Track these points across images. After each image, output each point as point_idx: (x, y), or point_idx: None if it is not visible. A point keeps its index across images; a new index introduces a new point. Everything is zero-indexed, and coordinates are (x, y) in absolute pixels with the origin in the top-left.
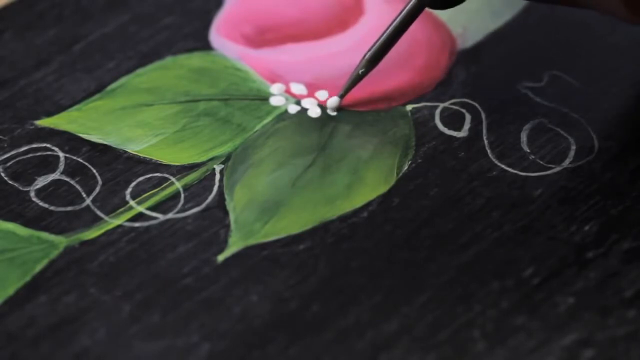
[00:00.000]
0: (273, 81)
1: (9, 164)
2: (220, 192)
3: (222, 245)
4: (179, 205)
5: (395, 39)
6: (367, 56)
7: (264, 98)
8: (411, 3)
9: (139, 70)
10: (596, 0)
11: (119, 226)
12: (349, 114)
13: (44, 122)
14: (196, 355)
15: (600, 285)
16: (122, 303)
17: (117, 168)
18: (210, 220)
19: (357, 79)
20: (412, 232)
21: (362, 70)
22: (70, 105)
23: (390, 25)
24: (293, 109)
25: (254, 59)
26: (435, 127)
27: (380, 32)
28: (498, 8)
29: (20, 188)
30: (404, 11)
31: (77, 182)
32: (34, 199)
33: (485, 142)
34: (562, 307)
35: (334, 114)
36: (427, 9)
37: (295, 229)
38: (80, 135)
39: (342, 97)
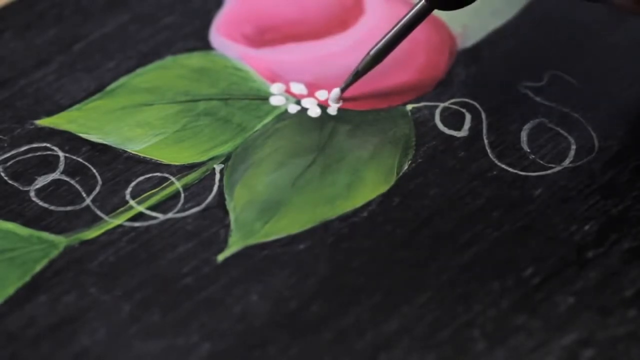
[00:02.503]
0: (273, 81)
1: (9, 163)
2: (220, 192)
3: (222, 245)
4: (179, 205)
5: (400, 39)
6: (370, 53)
7: (264, 98)
8: (419, 4)
9: (139, 70)
10: None
11: (119, 226)
12: (349, 114)
13: (44, 122)
14: (196, 355)
15: (601, 284)
16: (122, 303)
17: (117, 168)
18: (210, 220)
19: (356, 76)
20: (412, 232)
21: (363, 67)
22: (70, 105)
23: (396, 24)
24: (293, 108)
25: (254, 58)
26: (435, 126)
27: (380, 32)
28: (498, 8)
29: (20, 188)
30: (412, 12)
31: (77, 181)
32: (34, 199)
33: (485, 141)
34: (562, 306)
35: (335, 110)
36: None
37: (295, 229)
38: (80, 135)
39: (342, 90)
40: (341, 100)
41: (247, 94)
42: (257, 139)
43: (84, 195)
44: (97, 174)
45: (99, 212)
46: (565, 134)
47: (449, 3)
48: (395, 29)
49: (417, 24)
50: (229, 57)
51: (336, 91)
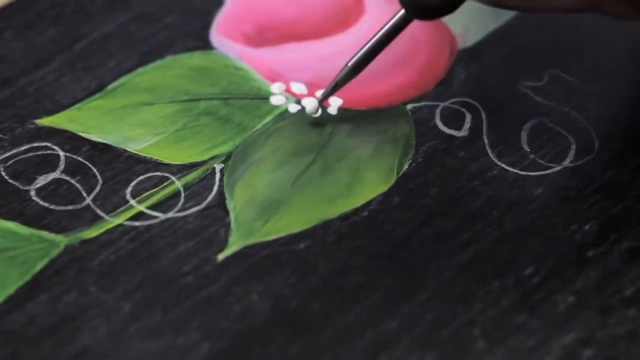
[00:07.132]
0: (273, 80)
1: (9, 162)
2: (221, 191)
3: (223, 244)
4: (180, 204)
5: (379, 50)
6: (349, 65)
7: (265, 97)
8: (398, 14)
9: (140, 70)
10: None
11: (120, 225)
12: (349, 113)
13: (44, 121)
14: (196, 354)
15: (601, 284)
16: (122, 302)
17: (118, 167)
18: (210, 219)
19: (335, 88)
20: (412, 231)
21: (341, 78)
22: (71, 104)
23: (375, 35)
24: (293, 108)
25: (254, 58)
26: (436, 126)
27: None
28: None
29: (21, 187)
30: (390, 22)
31: (77, 181)
32: (35, 198)
33: (486, 141)
34: (562, 306)
35: (336, 109)
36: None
37: (295, 228)
38: (81, 134)
39: (321, 102)
40: (319, 110)
41: (247, 93)
42: (257, 138)
43: (85, 194)
44: (97, 173)
45: (99, 212)
46: (566, 134)
47: (427, 13)
48: (374, 39)
49: (396, 35)
50: (229, 56)
51: (314, 102)
